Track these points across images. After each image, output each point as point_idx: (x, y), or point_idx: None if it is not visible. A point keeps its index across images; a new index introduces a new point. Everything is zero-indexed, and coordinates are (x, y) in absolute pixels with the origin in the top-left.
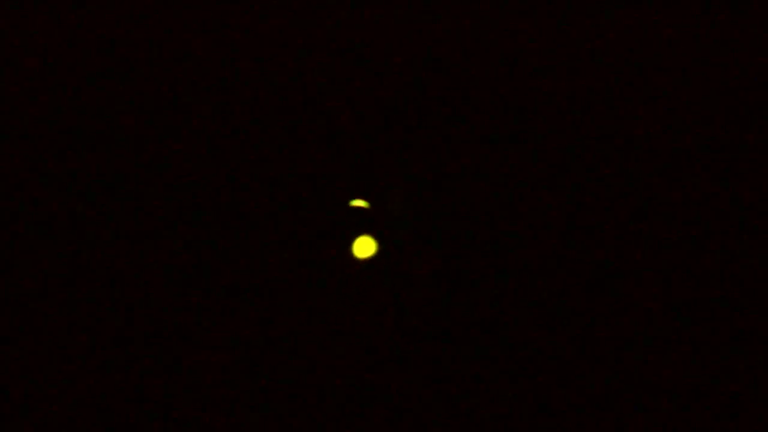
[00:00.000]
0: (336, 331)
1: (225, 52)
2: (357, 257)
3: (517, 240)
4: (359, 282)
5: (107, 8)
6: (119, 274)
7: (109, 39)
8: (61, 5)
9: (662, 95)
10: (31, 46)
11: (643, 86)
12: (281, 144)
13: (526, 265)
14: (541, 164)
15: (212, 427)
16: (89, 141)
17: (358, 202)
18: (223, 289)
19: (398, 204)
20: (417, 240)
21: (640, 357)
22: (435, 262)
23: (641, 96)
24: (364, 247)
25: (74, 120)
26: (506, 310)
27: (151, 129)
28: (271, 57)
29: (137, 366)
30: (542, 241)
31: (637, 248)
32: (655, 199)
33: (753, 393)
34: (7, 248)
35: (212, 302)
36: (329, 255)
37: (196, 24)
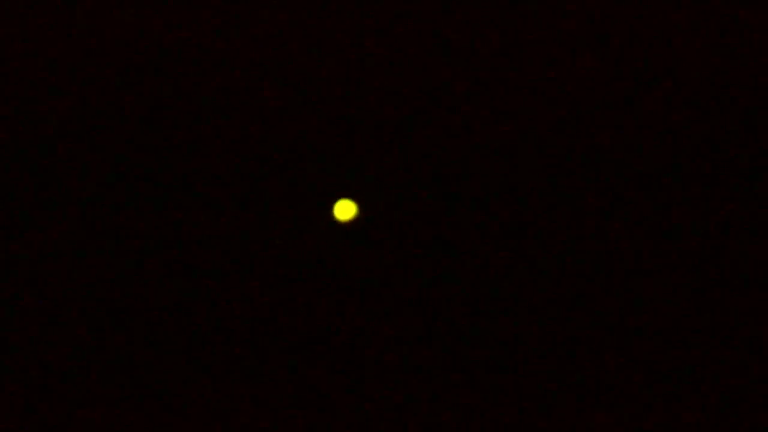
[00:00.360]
0: (318, 295)
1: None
2: (338, 220)
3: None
4: (340, 244)
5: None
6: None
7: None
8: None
9: (661, 95)
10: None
11: (642, 86)
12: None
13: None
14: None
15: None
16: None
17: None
18: (204, 255)
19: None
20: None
21: (639, 355)
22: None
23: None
24: (345, 210)
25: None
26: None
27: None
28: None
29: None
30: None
31: (635, 247)
32: (653, 199)
33: (753, 393)
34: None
35: (195, 268)
36: (310, 218)
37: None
